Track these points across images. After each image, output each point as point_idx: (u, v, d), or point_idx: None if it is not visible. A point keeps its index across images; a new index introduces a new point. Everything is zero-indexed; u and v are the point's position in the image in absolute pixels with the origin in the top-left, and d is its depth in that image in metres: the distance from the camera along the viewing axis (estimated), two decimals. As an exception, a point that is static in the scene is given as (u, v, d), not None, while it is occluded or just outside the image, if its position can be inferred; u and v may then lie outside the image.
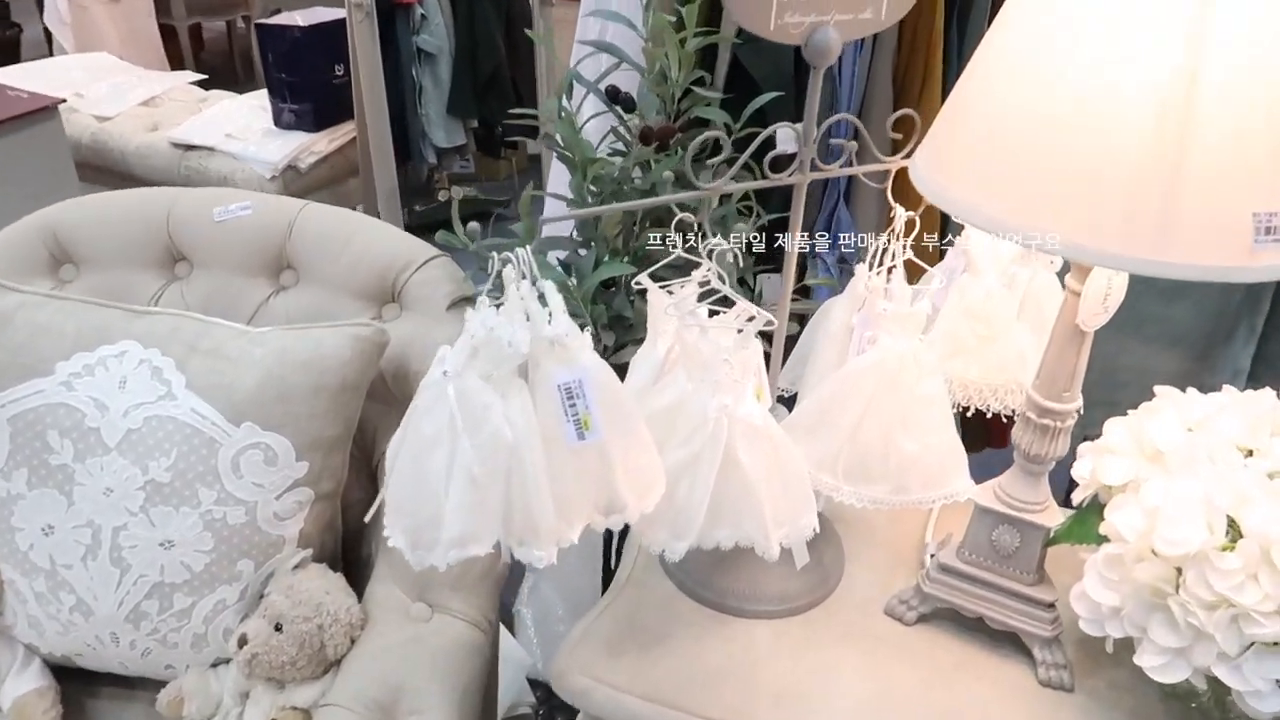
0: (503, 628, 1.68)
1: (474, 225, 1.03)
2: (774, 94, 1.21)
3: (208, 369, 1.12)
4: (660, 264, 0.93)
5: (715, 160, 0.92)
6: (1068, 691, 0.92)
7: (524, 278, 0.76)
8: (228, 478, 1.10)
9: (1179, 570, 0.77)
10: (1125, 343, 1.47)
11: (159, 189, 1.34)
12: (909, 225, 0.87)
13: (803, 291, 1.42)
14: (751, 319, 0.81)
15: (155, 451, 1.08)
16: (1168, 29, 0.60)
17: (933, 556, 0.98)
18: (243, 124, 2.85)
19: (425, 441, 0.73)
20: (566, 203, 1.14)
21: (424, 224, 3.50)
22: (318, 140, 2.82)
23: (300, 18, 2.81)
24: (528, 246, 0.74)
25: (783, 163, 0.84)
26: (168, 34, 4.34)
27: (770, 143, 0.81)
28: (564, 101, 1.18)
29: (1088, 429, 1.57)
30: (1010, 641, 0.95)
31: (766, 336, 0.95)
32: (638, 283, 0.86)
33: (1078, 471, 0.91)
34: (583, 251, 1.15)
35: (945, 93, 1.51)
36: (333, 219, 1.31)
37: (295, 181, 2.77)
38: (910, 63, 1.54)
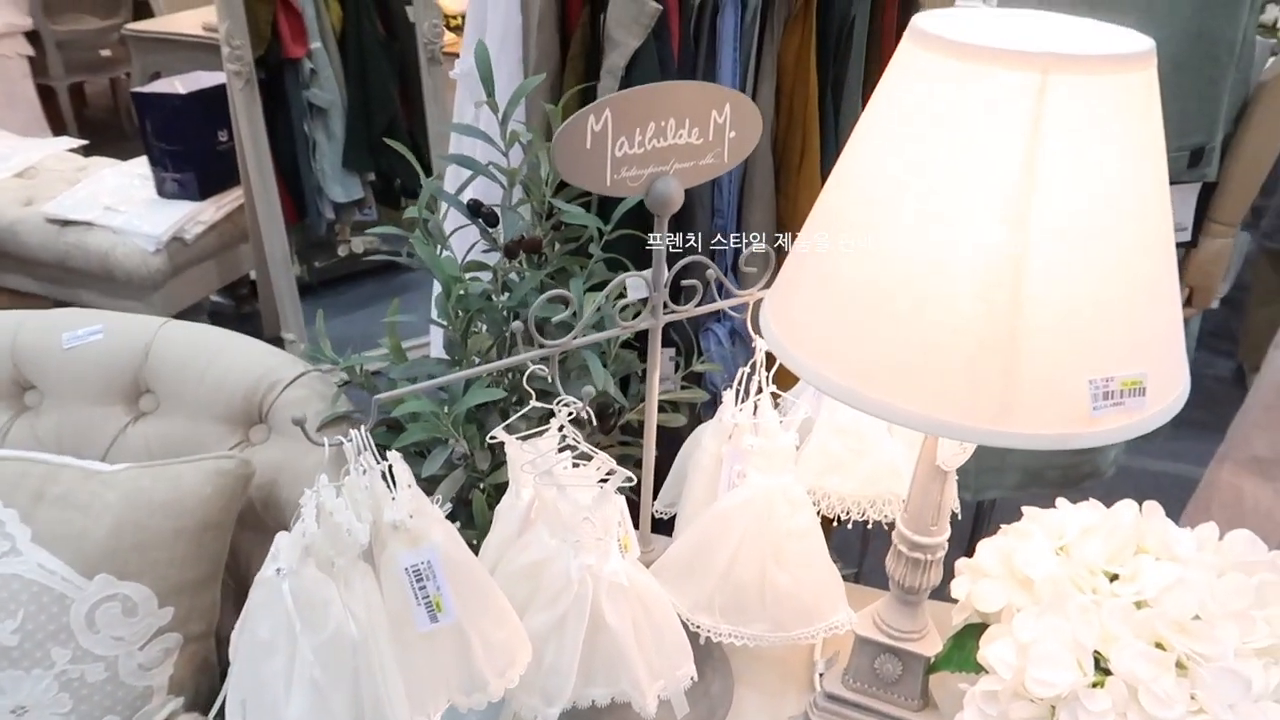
0: None
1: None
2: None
3: (55, 518, 1.06)
4: (531, 403, 0.89)
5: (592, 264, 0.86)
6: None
7: (362, 451, 0.72)
8: (83, 634, 1.04)
9: (1054, 708, 0.76)
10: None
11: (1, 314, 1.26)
12: (770, 357, 0.85)
13: (695, 377, 1.40)
14: (612, 473, 0.78)
15: (0, 614, 1.01)
16: (988, 210, 0.59)
17: (821, 675, 0.97)
18: (123, 195, 2.71)
19: (262, 646, 0.69)
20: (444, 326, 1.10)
21: (327, 279, 3.40)
22: (204, 209, 2.70)
23: (180, 84, 2.69)
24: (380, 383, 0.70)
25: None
26: (46, 95, 4.14)
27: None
28: (426, 212, 1.14)
29: (980, 494, 1.59)
30: (901, 767, 0.93)
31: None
32: (492, 437, 0.82)
33: (955, 590, 0.90)
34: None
35: (825, 165, 1.51)
36: (193, 337, 1.24)
37: (181, 253, 2.66)
38: (789, 135, 1.54)
